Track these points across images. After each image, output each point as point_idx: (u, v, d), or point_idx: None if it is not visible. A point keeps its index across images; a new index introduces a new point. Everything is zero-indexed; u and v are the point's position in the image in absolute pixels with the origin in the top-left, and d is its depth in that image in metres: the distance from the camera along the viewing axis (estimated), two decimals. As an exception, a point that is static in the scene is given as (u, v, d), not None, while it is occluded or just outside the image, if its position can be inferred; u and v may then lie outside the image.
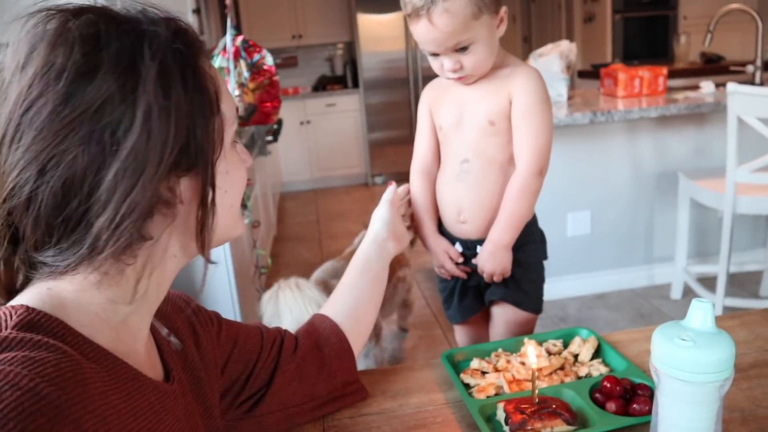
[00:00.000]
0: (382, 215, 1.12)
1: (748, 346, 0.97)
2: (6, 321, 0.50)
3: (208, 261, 0.63)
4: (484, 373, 0.94)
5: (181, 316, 0.77)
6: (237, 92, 2.23)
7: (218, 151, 0.60)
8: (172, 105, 0.54)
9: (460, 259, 1.28)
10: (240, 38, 2.22)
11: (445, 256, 1.27)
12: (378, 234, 1.09)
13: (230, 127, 0.63)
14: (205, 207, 0.59)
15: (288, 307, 1.83)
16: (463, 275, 1.29)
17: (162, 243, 0.59)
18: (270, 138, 3.21)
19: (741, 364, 0.91)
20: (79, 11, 0.54)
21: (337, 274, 1.04)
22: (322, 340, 0.91)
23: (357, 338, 0.95)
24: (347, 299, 0.99)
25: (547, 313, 2.76)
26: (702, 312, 0.65)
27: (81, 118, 0.50)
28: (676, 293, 2.87)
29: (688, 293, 2.85)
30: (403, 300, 2.48)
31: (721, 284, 2.43)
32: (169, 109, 0.53)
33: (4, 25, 0.55)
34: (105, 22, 0.54)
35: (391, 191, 1.18)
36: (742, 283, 2.91)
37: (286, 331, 0.92)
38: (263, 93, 2.28)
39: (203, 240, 0.60)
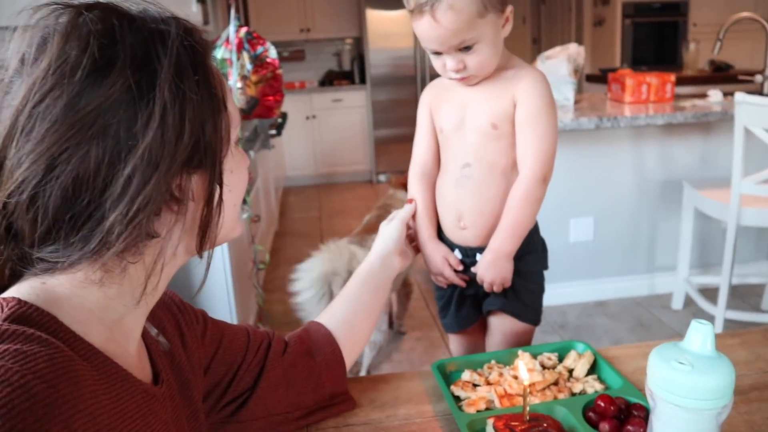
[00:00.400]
0: (391, 232, 1.11)
1: (749, 368, 0.94)
2: None
3: (200, 256, 0.63)
4: (475, 385, 0.92)
5: (168, 314, 0.75)
6: (239, 84, 2.20)
7: (225, 149, 0.61)
8: (186, 101, 0.54)
9: (460, 267, 1.24)
10: (244, 30, 2.19)
11: (444, 263, 1.23)
12: (384, 248, 1.08)
13: (235, 127, 0.64)
14: (211, 204, 0.59)
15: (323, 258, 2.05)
16: (462, 283, 1.25)
17: (169, 241, 0.58)
18: (273, 132, 3.19)
19: (740, 386, 0.88)
20: (90, 6, 0.54)
21: None
22: (315, 348, 0.89)
23: (351, 348, 0.94)
24: (345, 309, 0.97)
25: (547, 320, 2.73)
26: (701, 335, 0.62)
27: (96, 112, 0.50)
28: (677, 303, 2.84)
29: (690, 304, 2.82)
30: (403, 280, 2.45)
31: (722, 296, 2.40)
32: (183, 106, 0.54)
33: (7, 18, 0.54)
34: (118, 18, 0.53)
35: (408, 210, 1.19)
36: (743, 296, 2.88)
37: (275, 333, 0.90)
38: (266, 86, 2.26)
39: (206, 237, 0.60)
